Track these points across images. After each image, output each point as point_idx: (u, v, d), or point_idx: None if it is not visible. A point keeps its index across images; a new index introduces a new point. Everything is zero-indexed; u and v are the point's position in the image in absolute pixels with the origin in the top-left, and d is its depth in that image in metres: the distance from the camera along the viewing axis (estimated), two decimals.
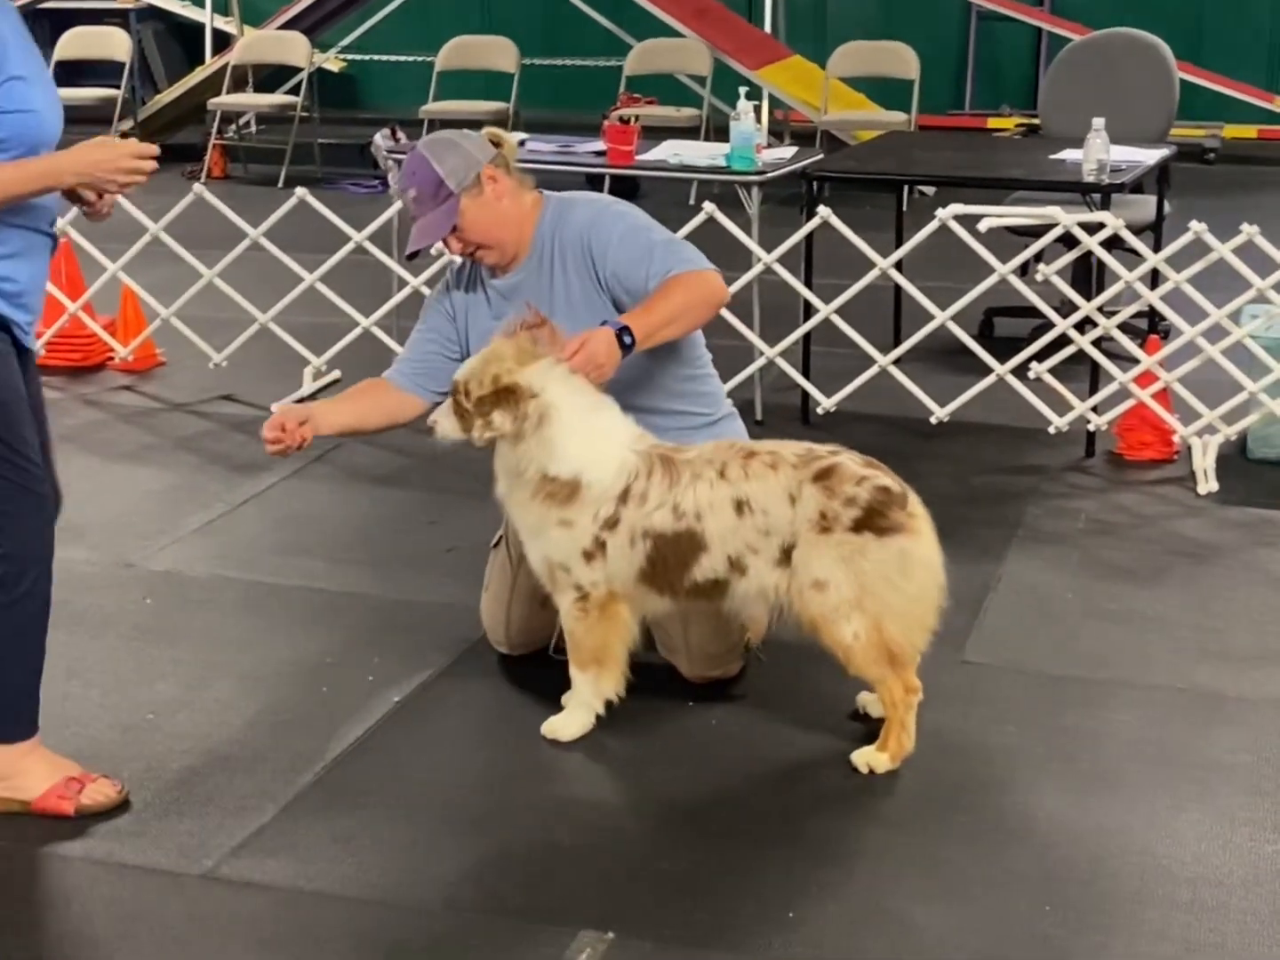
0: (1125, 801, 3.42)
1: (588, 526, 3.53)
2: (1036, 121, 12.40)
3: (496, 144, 3.87)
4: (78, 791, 3.38)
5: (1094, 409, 5.44)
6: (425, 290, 5.99)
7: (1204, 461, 5.29)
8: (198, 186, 6.13)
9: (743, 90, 5.65)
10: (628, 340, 3.59)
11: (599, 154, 6.08)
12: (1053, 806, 3.41)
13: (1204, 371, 5.42)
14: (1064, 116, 6.76)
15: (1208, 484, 5.15)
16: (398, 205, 6.02)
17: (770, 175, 5.68)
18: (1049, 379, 5.42)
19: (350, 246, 6.03)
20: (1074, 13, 12.43)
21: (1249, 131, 12.02)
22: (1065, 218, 5.21)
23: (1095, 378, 5.45)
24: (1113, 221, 5.22)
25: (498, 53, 10.97)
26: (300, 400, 6.15)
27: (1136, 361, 5.43)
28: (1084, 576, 4.57)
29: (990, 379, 5.48)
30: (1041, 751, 3.63)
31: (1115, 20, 12.13)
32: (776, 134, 11.23)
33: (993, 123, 12.66)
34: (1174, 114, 6.66)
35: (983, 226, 5.29)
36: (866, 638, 3.47)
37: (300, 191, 6.03)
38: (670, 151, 5.94)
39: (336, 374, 6.37)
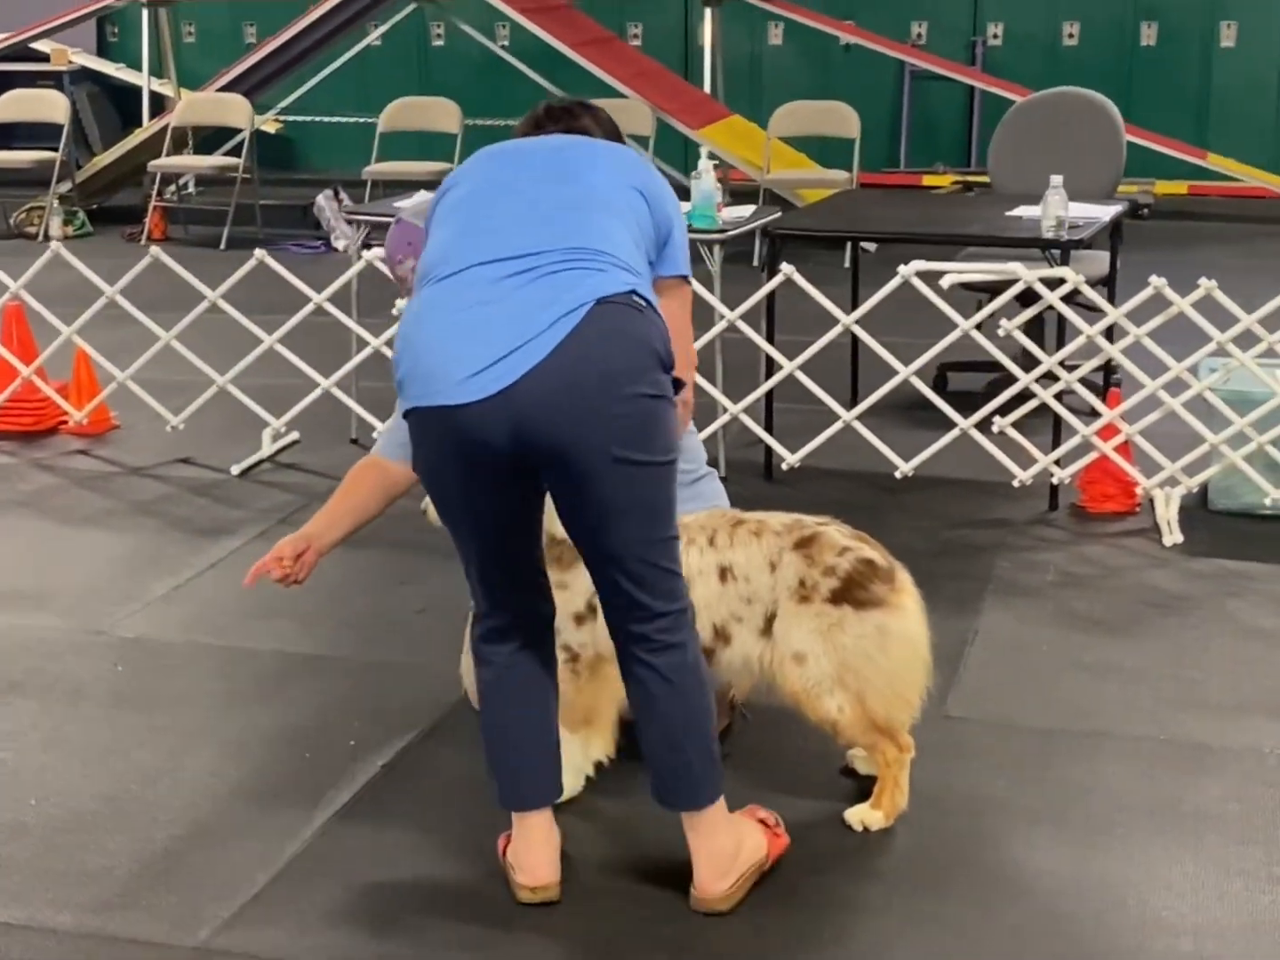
0: (1120, 854, 3.43)
1: (583, 590, 3.50)
2: (973, 179, 12.70)
3: None
4: None
5: (1056, 462, 5.48)
6: (386, 350, 5.98)
7: (1167, 513, 5.34)
8: (154, 249, 6.07)
9: (704, 149, 5.70)
10: None
11: None
12: (1049, 861, 3.41)
13: (1162, 424, 5.48)
14: (1013, 173, 6.86)
15: (1173, 535, 5.20)
16: (358, 266, 6.01)
17: (732, 233, 5.71)
18: (1013, 433, 5.46)
19: (310, 308, 6.00)
20: (1006, 72, 12.64)
21: (1180, 188, 12.24)
22: (1027, 273, 5.27)
23: (1057, 431, 5.50)
24: (1073, 277, 5.27)
25: (441, 114, 11.00)
26: (260, 461, 6.13)
27: (1093, 415, 5.49)
28: (1059, 628, 4.60)
29: (954, 433, 5.52)
30: (1033, 805, 3.64)
31: (1047, 78, 12.38)
32: None
33: (928, 180, 12.84)
34: (1121, 172, 6.77)
35: (945, 283, 5.34)
36: (851, 712, 3.45)
37: (259, 253, 6.00)
38: None
39: (294, 435, 6.33)
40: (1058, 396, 5.44)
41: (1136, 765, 3.81)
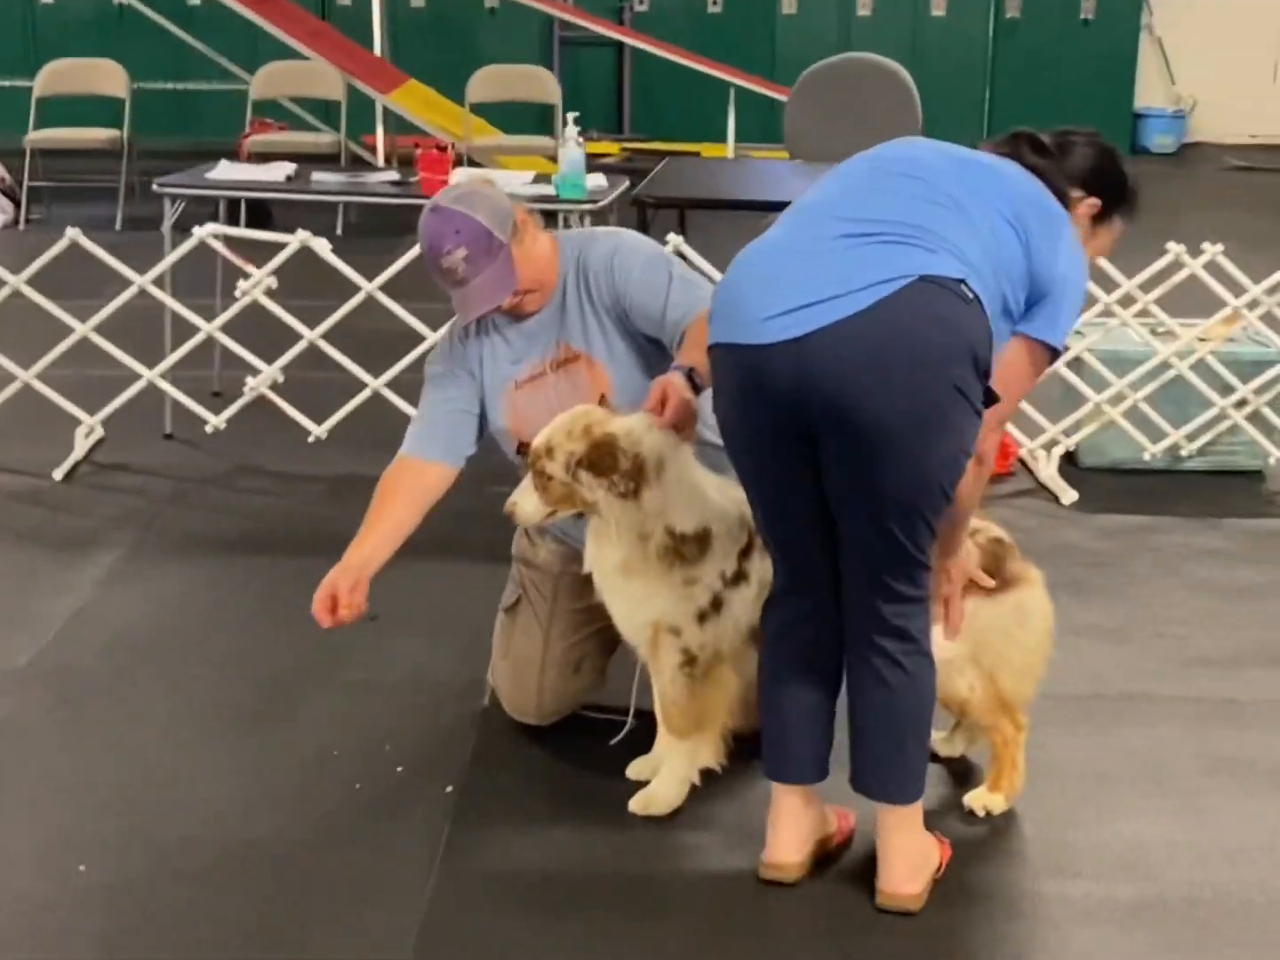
0: (1235, 817, 3.46)
1: (712, 583, 3.30)
2: (636, 146, 12.69)
3: None
4: None
5: None
6: (220, 335, 5.51)
7: (1047, 471, 5.47)
8: None
9: (571, 116, 5.45)
10: (698, 382, 3.40)
11: (396, 184, 5.76)
12: (1178, 830, 3.41)
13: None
14: (810, 141, 6.87)
15: (1068, 494, 5.32)
16: (188, 247, 5.48)
17: (603, 203, 5.50)
18: None
19: (133, 291, 5.44)
20: (655, 30, 12.65)
21: None
22: None
23: None
24: None
25: (105, 77, 10.21)
26: (78, 464, 5.54)
27: None
28: None
29: None
30: (1119, 771, 3.64)
31: (693, 46, 12.55)
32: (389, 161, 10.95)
33: (591, 148, 12.72)
34: (920, 135, 6.83)
35: None
36: (982, 690, 3.38)
37: (72, 232, 5.40)
38: (484, 180, 5.65)
39: (100, 432, 5.75)
40: None
41: (1188, 725, 3.87)
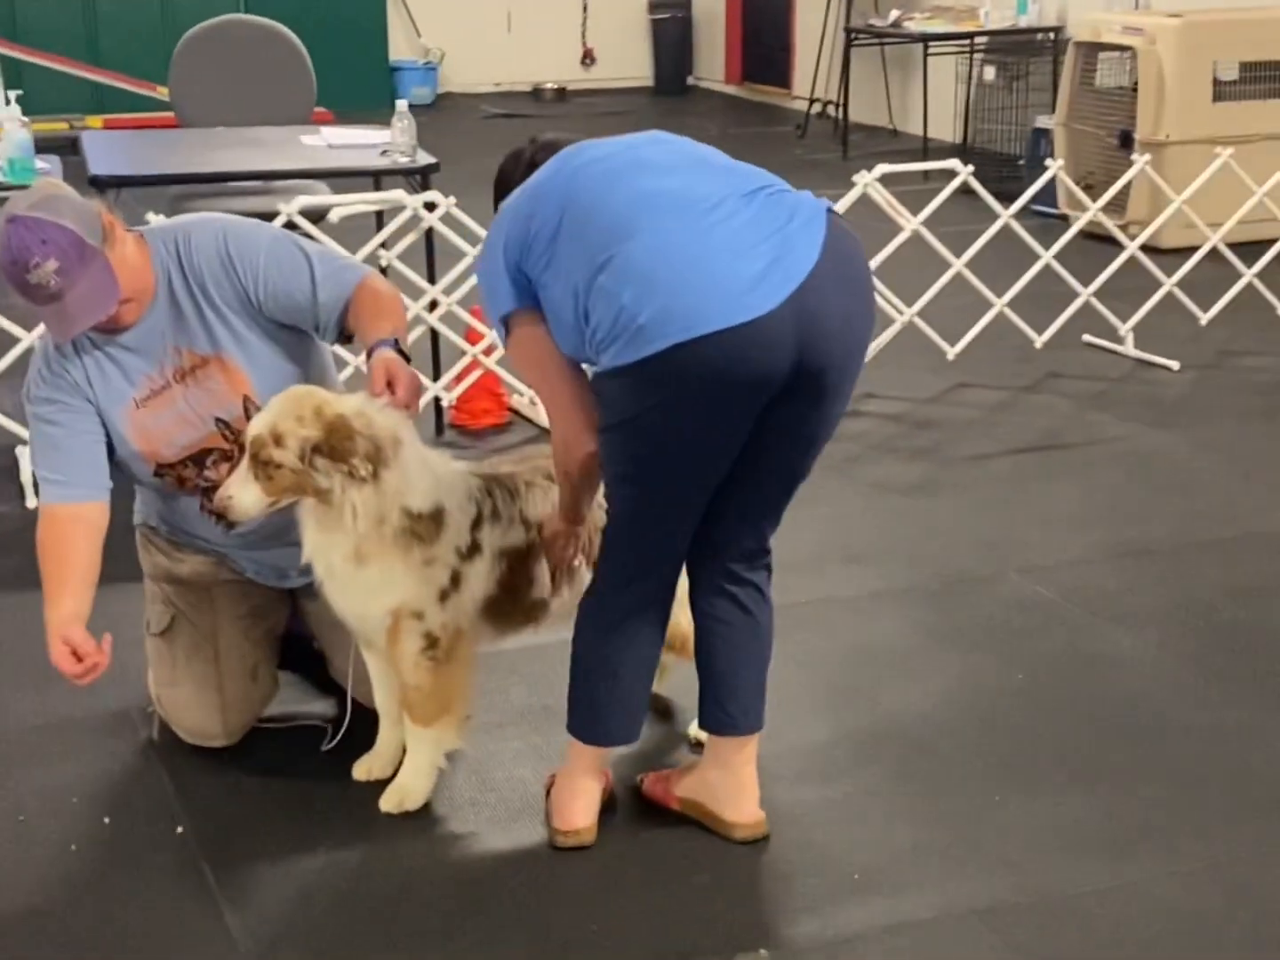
0: (907, 703, 3.77)
1: (449, 561, 3.18)
2: None
3: None
4: None
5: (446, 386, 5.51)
6: None
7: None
8: None
9: (13, 94, 4.96)
10: (406, 352, 3.27)
11: None
12: (867, 722, 3.66)
13: None
14: (197, 104, 6.55)
15: None
16: None
17: (55, 179, 5.03)
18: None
19: None
20: None
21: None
22: (411, 199, 5.22)
23: (437, 355, 5.52)
24: (444, 200, 5.30)
25: None
26: None
27: None
28: None
29: (348, 371, 5.34)
30: (791, 678, 3.78)
31: None
32: None
33: None
34: (314, 98, 6.70)
35: (334, 217, 5.14)
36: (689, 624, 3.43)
37: None
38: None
39: None
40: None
41: (818, 626, 4.13)
